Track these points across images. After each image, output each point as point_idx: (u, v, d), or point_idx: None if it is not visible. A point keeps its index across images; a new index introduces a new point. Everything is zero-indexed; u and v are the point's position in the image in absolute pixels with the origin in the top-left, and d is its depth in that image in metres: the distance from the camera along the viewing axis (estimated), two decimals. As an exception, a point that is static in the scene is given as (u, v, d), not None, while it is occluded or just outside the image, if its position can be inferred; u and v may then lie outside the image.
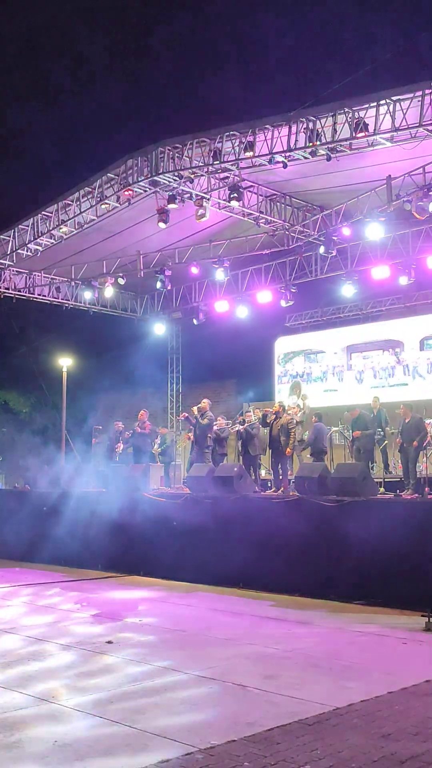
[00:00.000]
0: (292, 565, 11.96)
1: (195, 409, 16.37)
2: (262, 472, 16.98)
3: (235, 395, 26.03)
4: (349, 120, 13.05)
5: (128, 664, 7.79)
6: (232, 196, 15.50)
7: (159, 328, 22.47)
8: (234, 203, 16.04)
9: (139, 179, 15.69)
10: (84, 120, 45.78)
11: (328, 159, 13.70)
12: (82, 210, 17.19)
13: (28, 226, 18.47)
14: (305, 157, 13.91)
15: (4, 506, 18.20)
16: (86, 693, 6.74)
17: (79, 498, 15.80)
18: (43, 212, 18.00)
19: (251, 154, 14.11)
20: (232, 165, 14.95)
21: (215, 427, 16.29)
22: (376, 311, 22.07)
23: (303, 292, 19.79)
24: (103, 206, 16.65)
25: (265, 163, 14.46)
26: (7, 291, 20.26)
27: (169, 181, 15.56)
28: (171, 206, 15.72)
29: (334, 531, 11.44)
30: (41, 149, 42.44)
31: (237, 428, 16.09)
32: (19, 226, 18.63)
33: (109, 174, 16.33)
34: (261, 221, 17.42)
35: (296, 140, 13.67)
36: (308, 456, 15.53)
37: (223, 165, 14.88)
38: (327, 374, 21.93)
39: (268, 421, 15.16)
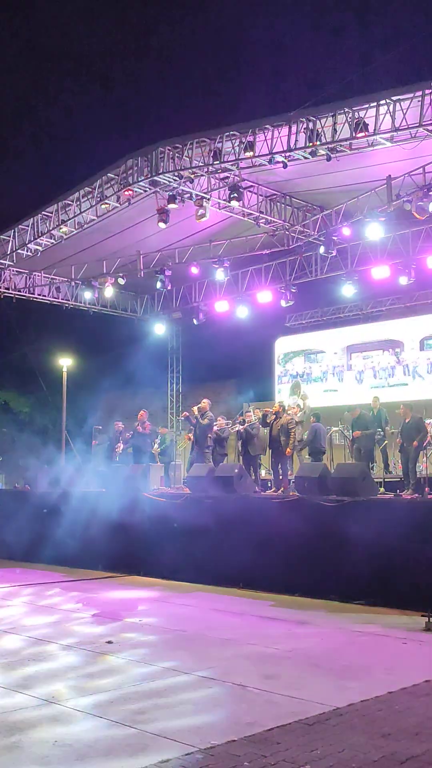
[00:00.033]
0: (292, 565, 11.96)
1: (195, 409, 16.34)
2: (262, 472, 16.97)
3: (235, 395, 26.02)
4: (349, 120, 13.05)
5: (128, 664, 7.79)
6: (232, 196, 15.51)
7: (159, 328, 22.47)
8: (234, 203, 16.05)
9: (139, 179, 15.71)
10: (84, 120, 45.82)
11: (328, 159, 13.71)
12: (82, 210, 17.20)
13: (28, 226, 18.48)
14: (305, 157, 13.92)
15: (5, 506, 18.20)
16: (86, 693, 6.74)
17: (79, 498, 15.77)
18: (43, 212, 18.01)
19: (251, 154, 14.13)
20: (232, 165, 14.96)
21: (215, 427, 16.28)
22: (376, 311, 22.08)
23: (303, 292, 19.77)
24: (103, 206, 16.65)
25: (265, 163, 14.47)
26: (7, 291, 20.26)
27: (169, 181, 15.56)
28: (171, 206, 15.74)
29: (334, 531, 11.42)
30: (41, 149, 42.49)
31: (237, 428, 16.08)
32: (19, 226, 18.65)
33: (109, 174, 16.35)
34: (261, 221, 17.42)
35: (296, 140, 13.68)
36: (307, 456, 15.53)
37: (223, 165, 14.88)
38: (327, 374, 21.94)
39: (268, 421, 15.15)
